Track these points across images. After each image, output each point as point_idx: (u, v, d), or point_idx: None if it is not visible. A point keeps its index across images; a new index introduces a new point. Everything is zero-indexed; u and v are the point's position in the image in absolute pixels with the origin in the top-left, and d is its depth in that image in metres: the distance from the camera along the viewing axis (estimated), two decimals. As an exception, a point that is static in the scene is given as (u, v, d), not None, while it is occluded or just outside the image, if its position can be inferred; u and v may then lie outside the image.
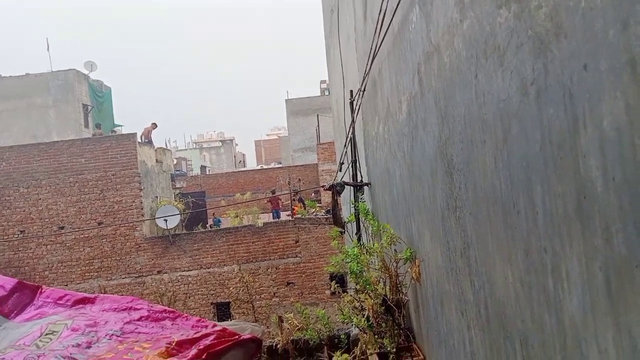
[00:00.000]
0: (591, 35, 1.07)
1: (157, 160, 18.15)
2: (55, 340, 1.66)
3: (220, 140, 57.08)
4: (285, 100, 36.11)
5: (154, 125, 19.64)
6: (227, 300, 15.32)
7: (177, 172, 26.30)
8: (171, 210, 15.89)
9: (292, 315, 7.17)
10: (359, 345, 3.35)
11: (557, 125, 1.27)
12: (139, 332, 1.77)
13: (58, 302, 2.01)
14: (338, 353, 3.53)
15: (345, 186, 6.09)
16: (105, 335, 1.71)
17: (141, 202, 15.98)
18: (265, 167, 41.34)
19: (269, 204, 21.77)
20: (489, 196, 1.86)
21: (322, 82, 34.61)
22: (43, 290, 2.06)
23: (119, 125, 22.24)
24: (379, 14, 3.19)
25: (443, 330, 2.94)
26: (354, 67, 5.86)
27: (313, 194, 23.29)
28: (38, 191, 15.74)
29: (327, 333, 6.47)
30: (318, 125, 24.99)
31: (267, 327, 8.43)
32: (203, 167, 43.36)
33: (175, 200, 18.26)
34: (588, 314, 1.23)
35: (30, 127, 21.40)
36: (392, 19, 3.00)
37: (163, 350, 1.61)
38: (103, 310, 1.92)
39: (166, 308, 1.99)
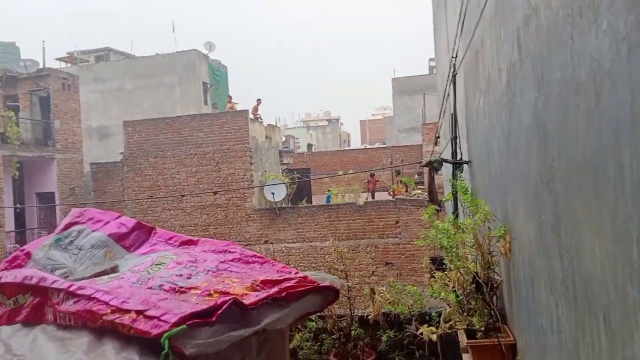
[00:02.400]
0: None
1: (266, 137, 19.16)
2: (162, 270, 1.98)
3: (327, 120, 58.28)
4: (392, 79, 35.56)
5: (259, 101, 20.86)
6: (327, 274, 15.85)
7: (285, 149, 27.48)
8: (278, 184, 16.78)
9: (384, 288, 7.28)
10: (443, 315, 3.35)
11: (647, 80, 1.19)
12: (231, 271, 2.03)
13: (168, 241, 2.37)
14: (425, 325, 3.56)
15: (445, 164, 5.95)
16: (203, 270, 1.99)
17: (251, 175, 17.07)
18: (369, 146, 41.38)
19: (367, 185, 21.93)
20: (580, 163, 1.77)
21: (431, 59, 33.44)
22: (156, 231, 2.42)
23: (235, 103, 23.76)
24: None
25: (532, 310, 2.84)
26: (459, 40, 5.64)
27: (417, 176, 22.90)
28: (164, 161, 17.56)
29: (419, 310, 6.47)
30: (424, 105, 24.32)
31: (361, 300, 8.65)
32: (309, 145, 44.75)
33: (282, 175, 19.20)
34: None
35: (158, 103, 23.76)
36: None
37: (248, 285, 1.84)
38: (203, 251, 2.22)
39: (256, 254, 2.21)
